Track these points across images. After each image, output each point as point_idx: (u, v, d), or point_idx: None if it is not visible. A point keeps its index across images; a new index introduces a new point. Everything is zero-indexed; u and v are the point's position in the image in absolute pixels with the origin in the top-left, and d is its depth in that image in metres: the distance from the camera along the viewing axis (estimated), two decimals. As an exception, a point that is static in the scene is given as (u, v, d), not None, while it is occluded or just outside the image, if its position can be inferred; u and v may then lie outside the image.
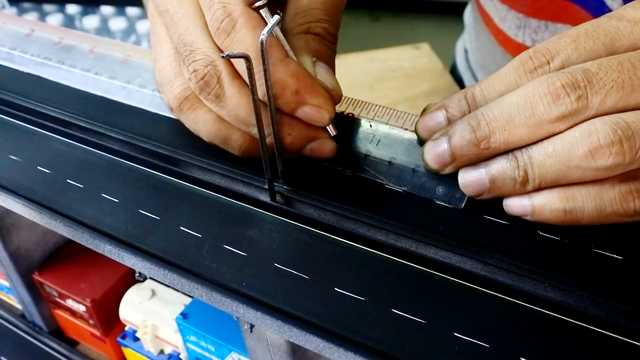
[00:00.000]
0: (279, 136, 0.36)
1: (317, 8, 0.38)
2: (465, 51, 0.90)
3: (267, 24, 0.34)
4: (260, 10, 0.35)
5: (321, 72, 0.37)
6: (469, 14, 0.86)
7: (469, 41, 0.86)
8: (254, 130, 0.36)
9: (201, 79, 0.36)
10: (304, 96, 0.35)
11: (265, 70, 0.33)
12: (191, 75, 0.36)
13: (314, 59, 0.37)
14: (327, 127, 0.37)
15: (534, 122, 0.31)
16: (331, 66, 0.38)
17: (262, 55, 0.32)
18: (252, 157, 0.39)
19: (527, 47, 0.63)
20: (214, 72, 0.36)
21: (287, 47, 0.36)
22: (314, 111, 0.36)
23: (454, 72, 0.95)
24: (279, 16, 0.31)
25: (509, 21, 0.68)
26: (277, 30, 0.36)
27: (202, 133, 0.40)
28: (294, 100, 0.35)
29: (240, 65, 0.35)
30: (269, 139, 0.36)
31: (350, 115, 0.40)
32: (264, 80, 0.33)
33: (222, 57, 0.31)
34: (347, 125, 0.39)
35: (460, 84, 0.92)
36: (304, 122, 0.36)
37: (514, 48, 0.69)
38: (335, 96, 0.37)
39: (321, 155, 0.38)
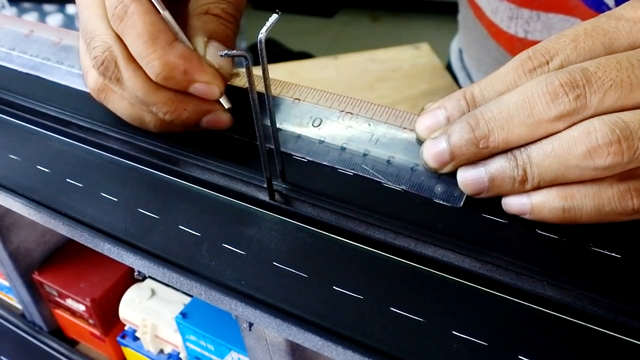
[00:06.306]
0: (177, 114, 0.39)
1: None
2: (460, 51, 0.90)
3: (156, 8, 0.38)
4: None
5: (211, 51, 0.39)
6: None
7: (463, 37, 0.86)
8: (154, 109, 0.39)
9: (101, 64, 0.39)
10: (193, 74, 0.38)
11: (263, 70, 0.33)
12: (93, 61, 0.39)
13: (206, 39, 0.40)
14: (221, 101, 0.40)
15: (533, 121, 0.31)
16: (228, 44, 0.41)
17: (260, 53, 0.32)
18: (169, 132, 0.42)
19: (519, 39, 0.64)
20: (111, 57, 0.39)
21: (178, 30, 0.39)
22: (204, 87, 0.39)
23: (449, 72, 0.95)
24: (277, 15, 0.32)
25: (500, 13, 0.68)
26: (167, 14, 0.39)
27: (123, 117, 0.42)
28: (184, 79, 0.38)
29: (134, 49, 0.38)
30: (168, 116, 0.39)
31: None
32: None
33: (221, 55, 0.31)
34: (345, 124, 0.40)
35: (456, 84, 0.92)
36: (197, 98, 0.40)
37: (507, 40, 0.69)
38: (223, 73, 0.40)
39: (218, 126, 0.41)
